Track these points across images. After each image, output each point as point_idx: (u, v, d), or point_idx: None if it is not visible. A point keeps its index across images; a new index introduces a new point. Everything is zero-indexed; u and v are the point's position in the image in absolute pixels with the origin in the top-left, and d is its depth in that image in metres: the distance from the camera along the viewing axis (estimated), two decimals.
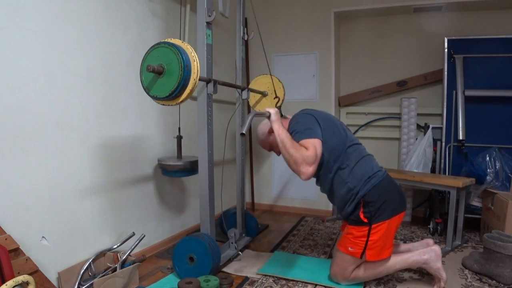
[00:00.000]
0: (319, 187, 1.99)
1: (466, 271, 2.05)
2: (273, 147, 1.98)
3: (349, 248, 1.78)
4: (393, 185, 1.84)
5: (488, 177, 2.56)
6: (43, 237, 1.65)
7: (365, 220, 1.73)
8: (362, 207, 1.74)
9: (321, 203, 3.40)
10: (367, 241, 1.74)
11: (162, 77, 1.58)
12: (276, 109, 1.84)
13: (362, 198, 1.74)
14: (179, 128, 2.38)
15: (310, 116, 1.83)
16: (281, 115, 1.91)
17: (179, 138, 2.34)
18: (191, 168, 2.25)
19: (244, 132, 1.69)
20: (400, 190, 1.86)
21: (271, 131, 1.86)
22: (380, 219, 1.72)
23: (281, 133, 1.73)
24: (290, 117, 1.95)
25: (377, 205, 1.72)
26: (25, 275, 1.34)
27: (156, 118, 2.42)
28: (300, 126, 1.76)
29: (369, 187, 1.74)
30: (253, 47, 3.53)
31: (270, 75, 2.66)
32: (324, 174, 1.83)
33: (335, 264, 1.87)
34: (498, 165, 2.60)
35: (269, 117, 1.83)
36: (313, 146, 1.66)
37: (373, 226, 1.72)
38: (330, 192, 1.87)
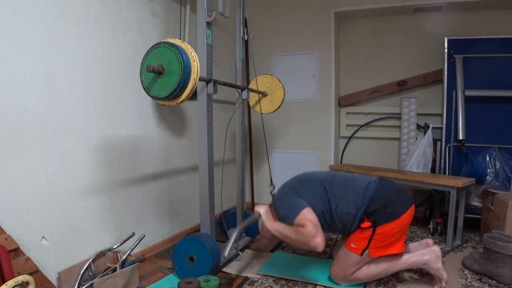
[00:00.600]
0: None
1: (466, 271, 2.05)
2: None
3: (352, 245, 1.80)
4: (390, 187, 1.86)
5: (488, 177, 2.56)
6: (43, 237, 1.65)
7: (370, 224, 1.75)
8: (366, 218, 1.77)
9: None
10: (370, 239, 1.75)
11: (162, 77, 1.58)
12: (265, 207, 1.93)
13: (363, 213, 1.77)
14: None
15: (287, 192, 1.91)
16: (271, 205, 2.02)
17: None
18: None
19: (227, 254, 1.80)
20: (400, 190, 1.86)
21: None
22: (384, 222, 1.73)
23: (276, 228, 1.82)
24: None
25: (380, 211, 1.74)
26: (25, 275, 1.34)
27: (156, 118, 2.41)
28: (286, 210, 1.83)
29: (366, 202, 1.77)
30: (253, 47, 3.53)
31: (271, 75, 2.66)
32: (331, 222, 1.85)
33: (336, 265, 1.87)
34: (498, 165, 2.60)
35: (260, 216, 1.92)
36: (306, 220, 1.72)
37: (377, 228, 1.74)
38: (343, 228, 1.87)
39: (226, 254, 1.80)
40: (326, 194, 1.84)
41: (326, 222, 1.84)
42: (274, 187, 2.35)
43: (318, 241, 1.67)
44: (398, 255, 1.85)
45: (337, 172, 2.01)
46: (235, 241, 1.82)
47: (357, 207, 1.77)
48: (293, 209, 1.79)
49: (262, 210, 1.92)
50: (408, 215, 1.78)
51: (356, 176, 1.95)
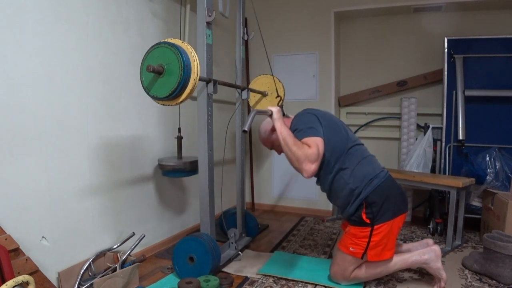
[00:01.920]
0: (319, 187, 1.99)
1: (466, 271, 2.05)
2: (274, 145, 1.98)
3: (350, 248, 1.78)
4: (395, 186, 1.84)
5: (488, 177, 2.56)
6: (43, 237, 1.65)
7: (367, 221, 1.73)
8: (364, 208, 1.74)
9: (321, 203, 3.40)
10: (369, 241, 1.74)
11: (162, 77, 1.58)
12: (278, 108, 1.84)
13: (364, 199, 1.74)
14: (179, 129, 2.38)
15: (312, 115, 1.84)
16: (283, 114, 1.91)
17: (180, 138, 2.35)
18: (191, 168, 2.25)
19: (246, 129, 1.69)
20: (401, 191, 1.86)
21: (273, 129, 1.86)
22: (382, 220, 1.72)
23: (283, 131, 1.73)
24: (292, 116, 1.95)
25: (379, 206, 1.72)
26: (25, 275, 1.34)
27: (156, 118, 2.42)
28: (303, 125, 1.77)
29: (371, 188, 1.74)
30: (253, 47, 3.53)
31: (272, 75, 2.66)
32: (325, 174, 1.83)
33: (335, 264, 1.87)
34: (498, 165, 2.60)
35: (271, 115, 1.82)
36: (315, 144, 1.66)
37: (375, 227, 1.72)
38: (330, 192, 1.88)
39: (246, 127, 1.68)
40: (343, 152, 1.78)
41: (323, 170, 1.80)
42: (281, 98, 2.28)
43: (312, 167, 1.63)
44: (398, 254, 1.86)
45: (361, 143, 1.93)
46: (253, 117, 1.74)
47: (357, 185, 1.74)
48: (310, 129, 1.72)
49: (274, 109, 1.82)
50: (402, 218, 1.79)
51: (374, 159, 1.90)
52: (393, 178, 1.87)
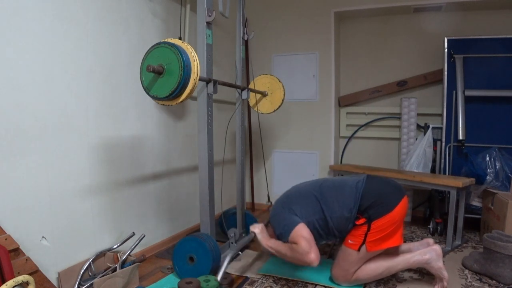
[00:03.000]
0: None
1: (466, 271, 2.05)
2: None
3: (349, 241, 1.80)
4: (379, 182, 1.88)
5: (488, 177, 2.56)
6: (43, 237, 1.65)
7: (364, 220, 1.75)
8: (360, 215, 1.78)
9: None
10: (366, 234, 1.75)
11: (162, 77, 1.58)
12: (260, 228, 1.99)
13: (357, 212, 1.78)
14: None
15: (281, 209, 1.91)
16: (268, 223, 2.06)
17: None
18: None
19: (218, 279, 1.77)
20: (389, 183, 1.89)
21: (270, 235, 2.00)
22: (378, 216, 1.74)
23: (272, 247, 1.87)
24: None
25: (372, 207, 1.76)
26: (25, 275, 1.34)
27: (156, 118, 2.41)
28: (280, 229, 1.85)
29: (358, 201, 1.79)
30: (253, 47, 3.53)
31: (270, 75, 2.66)
32: (327, 230, 1.86)
33: (336, 265, 1.87)
34: (498, 165, 2.60)
35: (255, 236, 1.97)
36: (299, 237, 1.74)
37: (372, 223, 1.74)
38: (340, 233, 1.88)
39: (219, 278, 1.78)
40: (318, 202, 1.86)
41: (323, 230, 1.86)
42: (271, 203, 2.37)
43: (312, 257, 1.69)
44: (399, 254, 1.86)
45: (325, 178, 2.06)
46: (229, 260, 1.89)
47: (350, 208, 1.79)
48: (286, 227, 1.82)
49: (257, 230, 1.99)
50: (401, 207, 1.79)
51: (345, 178, 1.97)
52: (372, 177, 1.92)
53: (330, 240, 2.02)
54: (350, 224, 1.80)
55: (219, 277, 1.77)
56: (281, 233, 1.84)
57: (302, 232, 1.77)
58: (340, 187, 1.88)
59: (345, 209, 1.80)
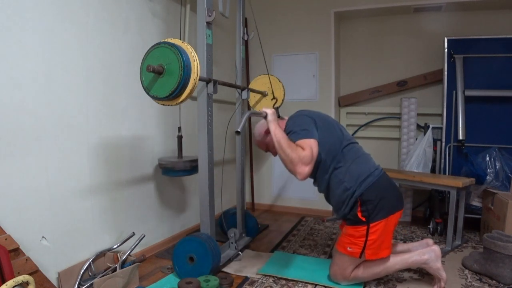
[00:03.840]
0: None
1: (466, 271, 2.05)
2: (269, 147, 1.98)
3: (348, 248, 1.79)
4: (390, 183, 1.84)
5: (488, 177, 2.56)
6: (43, 237, 1.65)
7: (363, 219, 1.73)
8: (360, 206, 1.74)
9: (321, 203, 3.38)
10: (366, 240, 1.74)
11: (162, 77, 1.58)
12: (273, 110, 1.84)
13: (359, 197, 1.74)
14: (179, 128, 2.38)
15: (306, 117, 1.84)
16: (279, 116, 1.91)
17: (180, 137, 2.35)
18: (191, 167, 2.25)
19: (239, 130, 1.68)
20: (397, 189, 1.87)
21: (267, 131, 1.86)
22: (378, 218, 1.73)
23: (277, 133, 1.73)
24: (286, 118, 1.95)
25: (374, 204, 1.73)
26: (25, 275, 1.34)
27: (156, 118, 2.42)
28: (297, 127, 1.77)
29: (365, 186, 1.74)
30: (253, 47, 3.53)
31: (269, 74, 2.66)
32: (321, 174, 1.83)
33: (334, 264, 1.87)
34: (498, 165, 2.60)
35: (265, 117, 1.82)
36: (309, 146, 1.67)
37: (371, 225, 1.73)
38: (327, 192, 1.88)
39: (239, 128, 1.66)
40: (338, 152, 1.78)
41: (318, 171, 1.81)
42: (276, 100, 2.25)
43: (306, 169, 1.63)
44: (398, 254, 1.87)
45: (356, 141, 1.93)
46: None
47: (351, 184, 1.75)
48: (304, 131, 1.72)
49: (269, 110, 1.81)
50: (398, 215, 1.79)
51: (369, 156, 1.91)
52: (388, 176, 1.88)
53: (321, 191, 1.95)
54: (348, 205, 1.76)
55: (240, 128, 1.64)
56: (295, 132, 1.74)
57: (313, 146, 1.68)
58: (361, 159, 1.82)
59: (349, 180, 1.75)
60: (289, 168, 1.69)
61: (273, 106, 2.17)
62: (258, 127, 2.00)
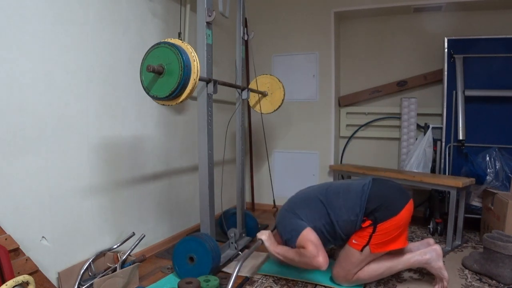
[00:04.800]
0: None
1: (466, 271, 2.05)
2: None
3: (353, 241, 1.80)
4: (385, 186, 1.87)
5: (488, 177, 2.56)
6: (43, 237, 1.65)
7: (370, 222, 1.76)
8: (366, 217, 1.78)
9: None
10: (370, 237, 1.75)
11: (162, 77, 1.58)
12: (267, 235, 1.97)
13: (364, 215, 1.79)
14: None
15: (287, 214, 1.92)
16: (274, 229, 2.07)
17: None
18: None
19: None
20: (395, 187, 1.88)
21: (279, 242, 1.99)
22: (384, 219, 1.74)
23: (280, 253, 1.88)
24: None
25: (378, 210, 1.76)
26: (25, 275, 1.34)
27: (156, 118, 2.41)
28: (287, 233, 1.86)
29: (364, 204, 1.79)
30: (253, 47, 3.53)
31: (269, 75, 2.66)
32: (334, 234, 1.87)
33: (338, 265, 1.87)
34: (498, 165, 2.60)
35: (263, 243, 1.95)
36: (307, 241, 1.76)
37: (378, 225, 1.74)
38: (348, 237, 1.88)
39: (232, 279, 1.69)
40: (324, 207, 1.86)
41: (330, 235, 1.86)
42: (277, 209, 2.35)
43: (320, 260, 1.71)
44: (400, 254, 1.86)
45: (331, 182, 2.06)
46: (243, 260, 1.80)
47: (356, 212, 1.79)
48: (293, 232, 1.82)
49: (264, 236, 1.98)
50: (407, 210, 1.79)
51: (350, 182, 1.97)
52: (379, 179, 1.91)
53: (337, 244, 2.02)
54: (357, 227, 1.80)
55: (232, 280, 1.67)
56: (289, 239, 1.85)
57: (309, 236, 1.78)
58: (346, 191, 1.88)
59: (352, 213, 1.80)
60: (310, 268, 1.83)
61: (274, 215, 2.27)
62: (271, 255, 2.02)
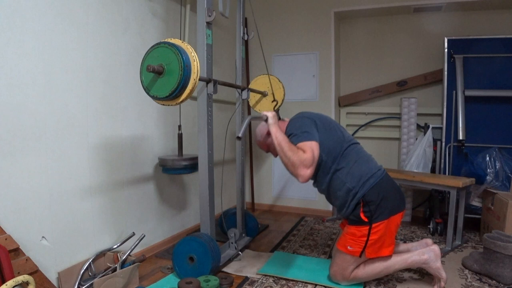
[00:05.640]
0: None
1: (466, 271, 2.05)
2: (270, 149, 1.98)
3: (348, 247, 1.79)
4: (392, 184, 1.84)
5: (488, 177, 2.56)
6: (43, 237, 1.65)
7: (366, 220, 1.74)
8: (362, 206, 1.75)
9: (321, 203, 3.40)
10: (367, 240, 1.74)
11: (162, 77, 1.58)
12: (274, 112, 1.84)
13: (361, 198, 1.75)
14: (180, 126, 2.37)
15: (307, 119, 1.84)
16: (279, 118, 1.91)
17: (180, 135, 2.35)
18: (191, 165, 2.25)
19: (240, 135, 1.70)
20: (399, 190, 1.86)
21: (269, 132, 1.85)
22: (380, 218, 1.73)
23: (278, 136, 1.74)
24: (287, 120, 1.95)
25: (376, 204, 1.73)
26: (25, 275, 1.34)
27: (156, 118, 2.42)
28: (297, 129, 1.77)
29: (368, 187, 1.75)
30: (253, 47, 3.53)
31: (268, 75, 2.66)
32: (322, 175, 1.83)
33: (334, 264, 1.87)
34: (498, 165, 2.60)
35: (266, 120, 1.83)
36: (310, 149, 1.67)
37: (373, 225, 1.73)
38: (328, 192, 1.88)
39: (240, 134, 1.67)
40: (339, 153, 1.79)
41: (322, 169, 1.81)
42: (277, 102, 2.25)
43: (307, 172, 1.63)
44: (398, 253, 1.86)
45: (357, 142, 1.93)
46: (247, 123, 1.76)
47: (354, 185, 1.75)
48: (305, 133, 1.72)
49: (270, 114, 1.82)
50: (400, 216, 1.80)
51: (371, 157, 1.91)
52: (390, 176, 1.88)
53: (322, 192, 1.95)
54: (351, 205, 1.76)
55: (240, 133, 1.64)
56: (296, 135, 1.74)
57: (314, 148, 1.68)
58: (363, 160, 1.82)
59: (351, 181, 1.75)
60: (291, 171, 1.69)
61: (274, 108, 2.16)
62: (260, 128, 2.00)
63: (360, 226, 1.76)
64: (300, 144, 1.70)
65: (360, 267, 1.83)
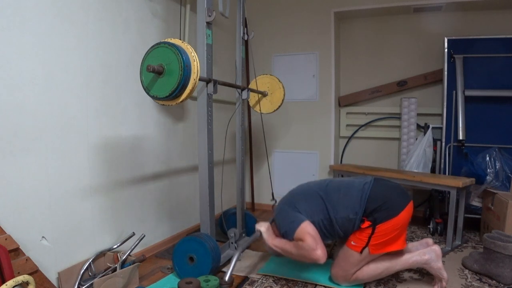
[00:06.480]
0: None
1: (466, 271, 2.05)
2: None
3: (352, 243, 1.80)
4: (385, 187, 1.86)
5: (488, 177, 2.56)
6: (43, 237, 1.65)
7: (369, 223, 1.75)
8: (365, 218, 1.77)
9: None
10: (369, 238, 1.75)
11: (162, 77, 1.58)
12: (266, 226, 1.96)
13: (363, 215, 1.78)
14: None
15: (284, 208, 1.91)
16: (272, 221, 2.03)
17: None
18: None
19: (226, 279, 1.73)
20: (395, 188, 1.87)
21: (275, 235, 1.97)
22: (385, 219, 1.74)
23: (278, 246, 1.86)
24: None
25: (377, 211, 1.75)
26: (25, 275, 1.34)
27: (156, 118, 2.41)
28: (286, 225, 1.84)
29: (364, 203, 1.78)
30: (253, 47, 3.53)
31: (269, 75, 2.66)
32: (331, 229, 1.86)
33: (336, 265, 1.87)
34: (498, 165, 2.60)
35: (261, 235, 1.94)
36: (305, 233, 1.74)
37: (377, 226, 1.74)
38: (345, 234, 1.87)
39: (227, 278, 1.74)
40: (323, 202, 1.85)
41: (327, 230, 1.85)
42: (276, 201, 2.35)
43: (319, 253, 1.69)
44: (399, 254, 1.86)
45: (331, 179, 2.05)
46: (237, 260, 1.84)
47: (356, 210, 1.78)
48: (291, 224, 1.81)
49: (263, 228, 1.96)
50: (406, 212, 1.79)
51: (351, 179, 1.96)
52: (380, 180, 1.91)
53: (335, 239, 2.00)
54: (355, 226, 1.80)
55: (227, 277, 1.73)
56: (287, 231, 1.83)
57: (307, 229, 1.76)
58: (347, 188, 1.87)
59: (351, 211, 1.79)
60: (308, 261, 1.77)
61: (272, 207, 2.25)
62: (268, 248, 1.99)
63: (364, 229, 1.77)
64: (296, 236, 1.77)
65: (362, 268, 1.82)
